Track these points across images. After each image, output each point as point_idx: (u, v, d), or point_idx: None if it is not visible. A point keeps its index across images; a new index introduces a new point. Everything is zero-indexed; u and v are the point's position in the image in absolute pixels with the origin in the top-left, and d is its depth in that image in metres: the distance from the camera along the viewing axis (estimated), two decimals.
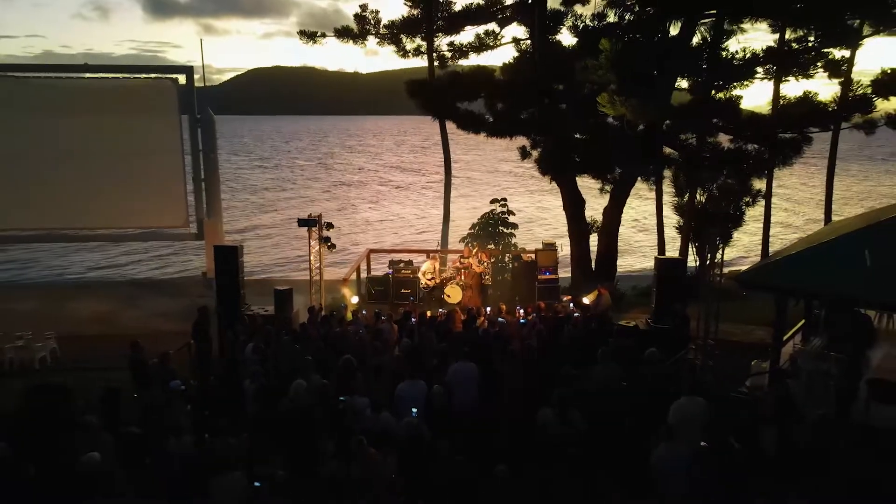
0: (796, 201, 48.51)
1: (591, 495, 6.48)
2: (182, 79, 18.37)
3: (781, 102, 15.28)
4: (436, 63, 18.60)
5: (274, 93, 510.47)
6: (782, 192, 47.01)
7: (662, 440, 6.73)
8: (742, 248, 28.25)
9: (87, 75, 18.72)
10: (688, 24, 14.85)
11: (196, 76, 18.60)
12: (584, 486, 6.43)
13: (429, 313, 12.83)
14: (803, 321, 12.10)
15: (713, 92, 13.12)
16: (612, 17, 16.69)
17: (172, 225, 19.46)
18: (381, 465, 6.12)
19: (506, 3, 16.98)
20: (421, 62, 19.11)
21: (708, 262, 14.52)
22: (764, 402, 9.01)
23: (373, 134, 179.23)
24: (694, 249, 17.17)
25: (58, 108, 18.22)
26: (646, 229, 33.90)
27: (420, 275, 15.65)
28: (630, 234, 33.64)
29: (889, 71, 14.51)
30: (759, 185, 16.87)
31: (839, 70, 13.74)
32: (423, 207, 47.37)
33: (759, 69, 13.85)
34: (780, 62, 14.01)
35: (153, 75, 18.62)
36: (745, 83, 13.54)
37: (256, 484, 6.04)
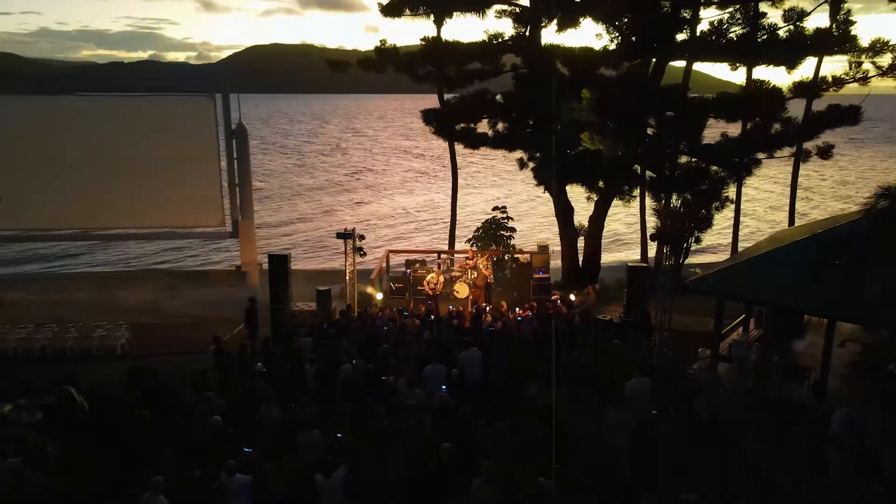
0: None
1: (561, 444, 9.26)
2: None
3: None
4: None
5: (272, 70, 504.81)
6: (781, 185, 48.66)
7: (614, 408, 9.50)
8: (720, 249, 30.56)
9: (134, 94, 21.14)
10: (658, 65, 17.52)
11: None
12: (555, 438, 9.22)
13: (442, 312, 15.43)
14: (743, 316, 14.86)
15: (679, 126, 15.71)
16: (597, 47, 19.26)
17: (211, 225, 22.02)
18: (423, 422, 8.99)
19: (505, 37, 19.44)
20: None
21: (681, 260, 17.17)
22: (698, 380, 11.80)
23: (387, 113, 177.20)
24: (667, 249, 19.75)
25: (107, 122, 20.61)
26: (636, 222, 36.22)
27: (424, 283, 17.95)
28: (621, 229, 36.11)
29: (817, 112, 17.53)
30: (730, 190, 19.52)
31: (774, 118, 16.47)
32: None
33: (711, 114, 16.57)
34: (728, 110, 16.70)
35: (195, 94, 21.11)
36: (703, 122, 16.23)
37: (339, 435, 8.77)
